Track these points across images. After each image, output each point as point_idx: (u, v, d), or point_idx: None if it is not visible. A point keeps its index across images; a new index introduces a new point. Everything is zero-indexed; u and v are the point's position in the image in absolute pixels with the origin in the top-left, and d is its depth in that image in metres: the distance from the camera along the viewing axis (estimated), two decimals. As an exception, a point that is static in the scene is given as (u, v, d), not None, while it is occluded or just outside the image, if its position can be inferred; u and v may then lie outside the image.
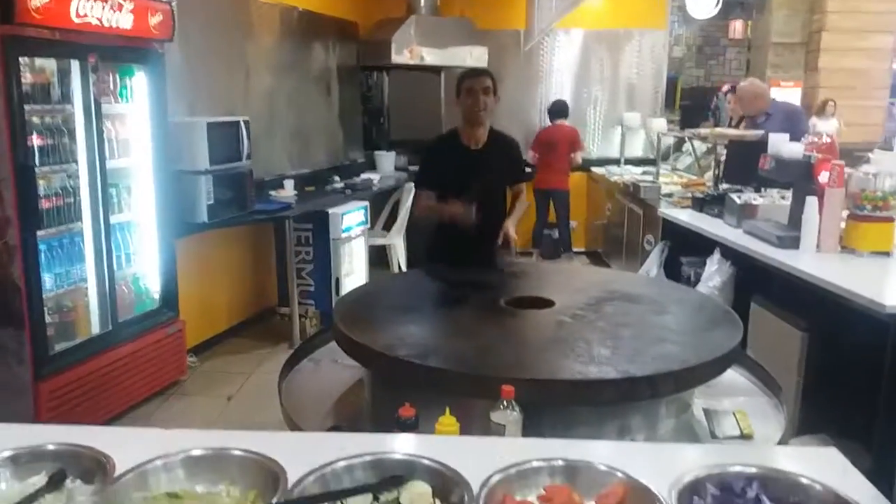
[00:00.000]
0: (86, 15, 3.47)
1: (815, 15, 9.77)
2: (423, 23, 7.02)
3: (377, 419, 2.22)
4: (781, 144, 3.58)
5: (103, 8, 3.59)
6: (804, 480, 1.35)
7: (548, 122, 7.40)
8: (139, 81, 4.12)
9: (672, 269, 4.51)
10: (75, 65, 3.59)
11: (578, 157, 7.19)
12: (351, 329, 2.19)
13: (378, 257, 6.52)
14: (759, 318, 3.40)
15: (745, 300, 3.58)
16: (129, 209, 4.12)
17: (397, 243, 6.40)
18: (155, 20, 3.99)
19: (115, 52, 3.82)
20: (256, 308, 5.51)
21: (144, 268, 4.25)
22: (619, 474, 1.39)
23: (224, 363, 4.77)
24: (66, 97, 3.60)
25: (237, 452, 1.46)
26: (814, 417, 3.11)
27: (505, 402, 1.75)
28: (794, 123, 4.60)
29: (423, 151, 3.39)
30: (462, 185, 3.13)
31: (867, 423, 2.73)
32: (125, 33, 3.77)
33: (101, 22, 3.57)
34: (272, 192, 5.31)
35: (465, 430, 1.81)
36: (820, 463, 1.50)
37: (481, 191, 3.13)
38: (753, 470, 1.39)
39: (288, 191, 5.35)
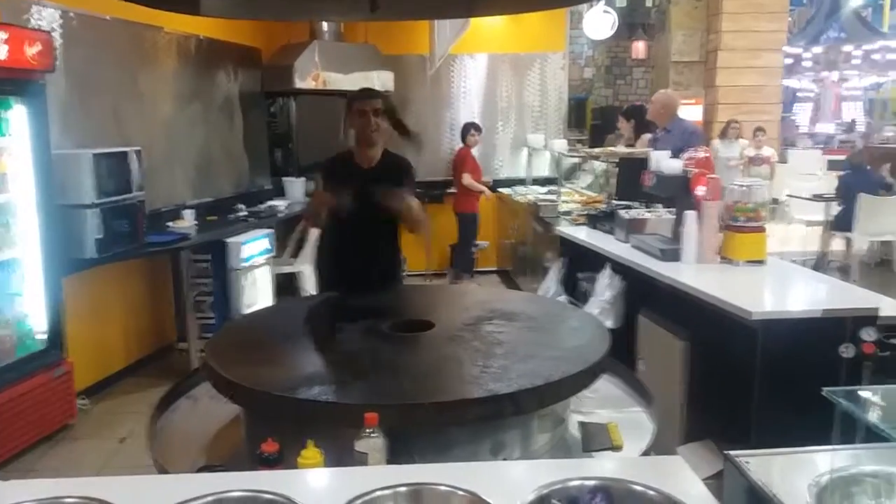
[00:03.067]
0: (-49, 47, 3.32)
1: (710, 35, 10.24)
2: (327, 48, 7.02)
3: (253, 456, 2.16)
4: (661, 161, 3.71)
5: (-28, 39, 3.44)
6: (638, 488, 1.40)
7: (457, 145, 7.54)
8: (18, 113, 3.95)
9: (571, 285, 4.60)
10: (-59, 98, 3.43)
11: (464, 179, 7.08)
12: (220, 363, 2.14)
13: (288, 286, 6.41)
14: (646, 330, 3.50)
15: (635, 312, 3.68)
16: (9, 247, 3.93)
17: (305, 270, 6.31)
18: (33, 50, 3.84)
19: (-13, 85, 3.66)
20: (154, 345, 5.33)
21: (28, 308, 4.04)
22: (462, 493, 1.40)
23: (118, 404, 4.57)
24: (-69, 132, 3.43)
25: (70, 500, 1.41)
26: (700, 424, 3.21)
27: (368, 430, 1.73)
28: (687, 143, 4.78)
29: (320, 171, 3.37)
30: (354, 204, 3.14)
31: (746, 427, 2.82)
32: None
33: (-31, 53, 3.43)
34: (170, 223, 5.17)
35: (334, 462, 1.78)
36: (665, 472, 1.55)
37: (369, 209, 3.15)
38: (594, 482, 1.42)
39: (187, 221, 5.21)
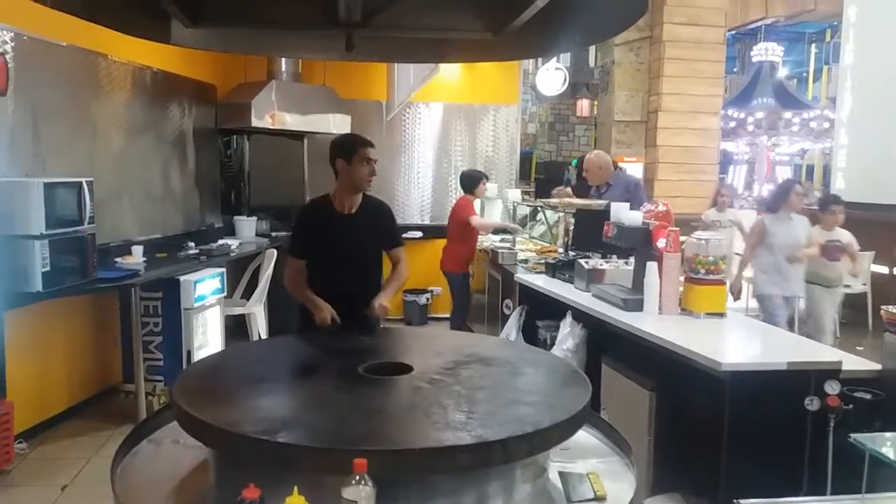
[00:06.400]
0: None
1: (651, 96, 10.69)
2: (285, 88, 7.01)
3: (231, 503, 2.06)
4: (622, 212, 3.81)
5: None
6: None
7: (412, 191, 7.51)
8: (-36, 138, 3.79)
9: (530, 333, 4.63)
10: None
11: (472, 220, 5.98)
12: (190, 404, 2.04)
13: (237, 328, 6.24)
14: (610, 379, 3.53)
15: (597, 361, 3.71)
16: (-53, 279, 3.72)
17: (257, 312, 6.17)
18: (-15, 73, 3.72)
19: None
20: (99, 386, 5.08)
21: (-35, 344, 3.82)
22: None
23: (60, 448, 4.32)
24: None
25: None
26: (666, 475, 3.21)
27: (357, 477, 1.67)
28: (632, 194, 4.98)
29: (295, 218, 3.35)
30: (334, 252, 3.13)
31: (713, 479, 2.85)
32: (-51, 86, 3.48)
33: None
34: (118, 259, 5.00)
35: (316, 510, 1.71)
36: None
37: (354, 256, 3.13)
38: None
39: (136, 257, 5.05)
